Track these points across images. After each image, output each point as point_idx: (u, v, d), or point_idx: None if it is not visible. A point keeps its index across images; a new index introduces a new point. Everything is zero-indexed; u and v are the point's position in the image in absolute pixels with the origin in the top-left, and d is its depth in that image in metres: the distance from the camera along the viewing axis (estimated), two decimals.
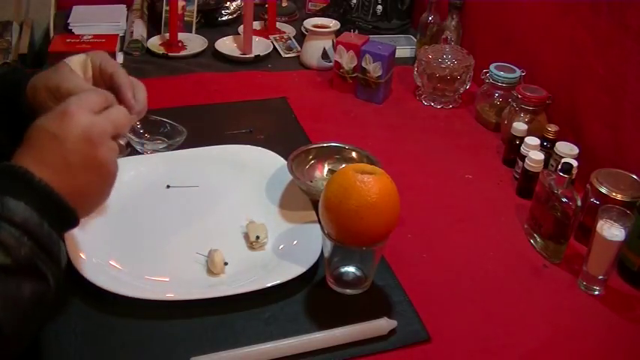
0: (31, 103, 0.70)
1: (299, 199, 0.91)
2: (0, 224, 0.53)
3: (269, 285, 0.75)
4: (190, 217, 0.88)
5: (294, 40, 1.55)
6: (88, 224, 0.82)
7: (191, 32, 1.54)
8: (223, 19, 1.63)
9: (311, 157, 0.97)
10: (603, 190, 0.85)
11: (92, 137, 0.60)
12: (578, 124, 1.06)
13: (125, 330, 0.70)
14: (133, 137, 0.99)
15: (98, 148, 0.60)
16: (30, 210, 0.55)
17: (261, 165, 0.98)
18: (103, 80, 0.72)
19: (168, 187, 0.93)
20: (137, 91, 0.71)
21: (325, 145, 0.99)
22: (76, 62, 0.71)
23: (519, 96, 1.09)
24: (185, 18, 1.54)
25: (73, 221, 0.61)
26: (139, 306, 0.71)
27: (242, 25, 1.48)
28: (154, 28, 1.53)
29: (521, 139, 1.02)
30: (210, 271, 0.78)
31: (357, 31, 1.35)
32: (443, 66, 1.23)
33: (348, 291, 0.78)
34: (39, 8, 1.75)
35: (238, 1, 1.65)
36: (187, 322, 0.72)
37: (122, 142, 0.65)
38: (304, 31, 1.49)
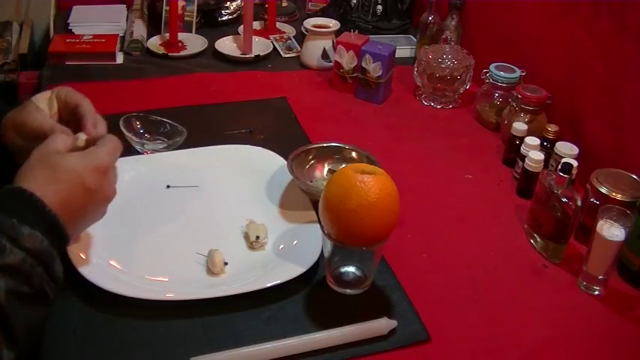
0: (4, 143, 0.72)
1: (299, 199, 0.91)
2: (18, 252, 0.56)
3: (269, 285, 0.75)
4: (190, 217, 0.88)
5: (294, 40, 1.55)
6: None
7: (191, 32, 1.54)
8: (223, 19, 1.63)
9: (311, 157, 0.97)
10: (603, 190, 0.85)
11: (111, 197, 0.70)
12: (578, 124, 1.06)
13: (125, 330, 0.70)
14: (133, 137, 0.99)
15: (110, 202, 0.71)
16: (44, 239, 0.59)
17: (261, 165, 0.98)
18: (67, 112, 0.75)
19: (168, 187, 0.93)
20: (98, 124, 0.74)
21: (325, 145, 0.99)
22: (42, 99, 0.74)
23: (519, 96, 1.09)
24: (185, 18, 1.54)
25: (65, 245, 0.65)
26: (139, 306, 0.71)
27: (242, 25, 1.48)
28: (154, 28, 1.53)
29: (521, 139, 1.02)
30: (210, 271, 0.78)
31: (357, 31, 1.35)
32: (443, 66, 1.23)
33: (348, 291, 0.78)
34: (39, 8, 1.75)
35: (238, 1, 1.65)
36: (187, 322, 0.72)
37: None
38: (304, 31, 1.49)
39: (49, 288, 0.59)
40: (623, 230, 0.78)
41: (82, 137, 0.71)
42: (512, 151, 1.06)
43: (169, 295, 0.74)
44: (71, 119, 0.75)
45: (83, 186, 0.64)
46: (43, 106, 0.73)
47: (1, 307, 0.54)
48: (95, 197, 0.66)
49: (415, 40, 1.49)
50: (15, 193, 0.60)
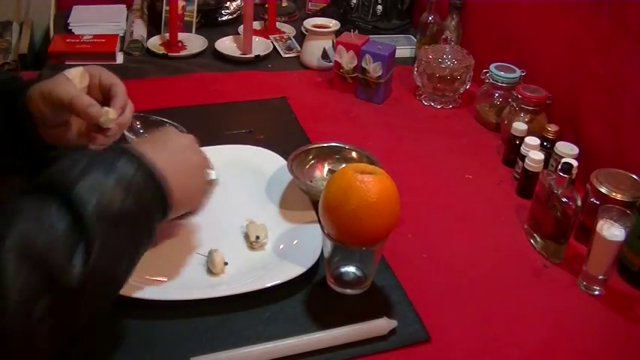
0: (29, 111, 0.72)
1: (299, 199, 0.91)
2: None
3: (269, 285, 0.75)
4: (190, 217, 0.88)
5: (294, 40, 1.55)
6: None
7: (191, 32, 1.54)
8: (223, 19, 1.63)
9: (311, 157, 0.97)
10: (603, 190, 0.85)
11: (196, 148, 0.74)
12: (578, 124, 1.06)
13: (125, 330, 0.70)
14: (133, 137, 0.99)
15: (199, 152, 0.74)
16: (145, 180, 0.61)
17: (261, 165, 0.98)
18: (102, 90, 0.76)
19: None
20: (127, 108, 0.77)
21: (325, 145, 0.99)
22: (73, 73, 0.74)
23: (519, 96, 1.09)
24: (185, 18, 1.54)
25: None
26: (139, 306, 0.71)
27: (242, 25, 1.48)
28: (154, 28, 1.53)
29: (521, 139, 1.02)
30: (210, 271, 0.78)
31: (357, 31, 1.35)
32: (443, 66, 1.23)
33: (348, 291, 0.78)
34: (39, 8, 1.75)
35: (238, 1, 1.65)
36: (187, 322, 0.72)
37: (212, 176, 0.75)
38: (304, 31, 1.49)
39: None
40: (623, 230, 0.78)
41: (112, 114, 0.73)
42: (512, 151, 1.06)
43: (169, 295, 0.74)
44: (100, 98, 0.75)
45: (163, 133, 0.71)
46: (74, 80, 0.74)
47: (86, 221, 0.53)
48: (174, 136, 0.70)
49: (415, 40, 1.49)
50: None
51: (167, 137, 0.70)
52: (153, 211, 0.63)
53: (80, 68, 0.76)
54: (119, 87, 0.75)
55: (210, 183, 0.75)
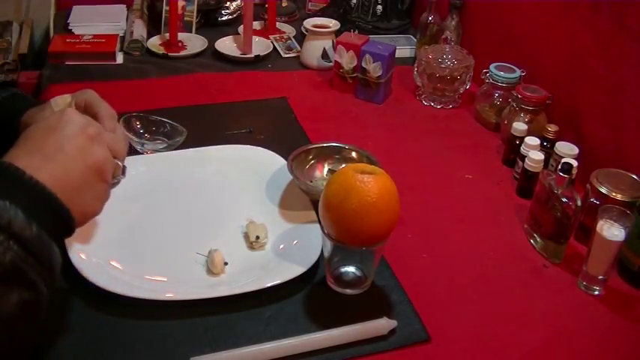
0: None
1: (299, 199, 0.91)
2: None
3: (269, 285, 0.75)
4: (190, 217, 0.88)
5: (294, 40, 1.55)
6: (88, 224, 0.82)
7: (191, 32, 1.54)
8: (223, 19, 1.63)
9: (311, 157, 0.97)
10: (603, 190, 0.85)
11: (88, 132, 0.61)
12: (578, 124, 1.06)
13: (125, 330, 0.70)
14: (133, 137, 0.99)
15: (94, 143, 0.61)
16: (16, 210, 0.52)
17: (261, 165, 0.98)
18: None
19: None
20: (117, 143, 0.68)
21: (325, 145, 0.99)
22: (60, 104, 0.71)
23: (519, 96, 1.09)
24: (185, 18, 1.54)
25: (67, 222, 0.58)
26: (139, 306, 0.71)
27: (242, 25, 1.48)
28: (154, 28, 1.53)
29: (521, 139, 1.02)
30: (210, 271, 0.78)
31: (357, 31, 1.35)
32: (443, 66, 1.23)
33: (348, 291, 0.78)
34: (39, 8, 1.75)
35: (238, 1, 1.65)
36: (187, 322, 0.72)
37: (120, 162, 0.65)
38: (304, 31, 1.49)
39: (28, 267, 0.52)
40: (623, 230, 0.78)
41: (61, 100, 0.69)
42: (513, 151, 1.06)
43: (169, 295, 0.74)
44: None
45: (44, 126, 0.60)
46: (59, 110, 0.69)
47: None
48: (62, 131, 0.59)
49: (415, 40, 1.49)
50: None
51: (60, 139, 0.59)
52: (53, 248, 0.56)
53: (68, 98, 0.71)
54: (102, 118, 0.68)
55: (118, 171, 0.66)
